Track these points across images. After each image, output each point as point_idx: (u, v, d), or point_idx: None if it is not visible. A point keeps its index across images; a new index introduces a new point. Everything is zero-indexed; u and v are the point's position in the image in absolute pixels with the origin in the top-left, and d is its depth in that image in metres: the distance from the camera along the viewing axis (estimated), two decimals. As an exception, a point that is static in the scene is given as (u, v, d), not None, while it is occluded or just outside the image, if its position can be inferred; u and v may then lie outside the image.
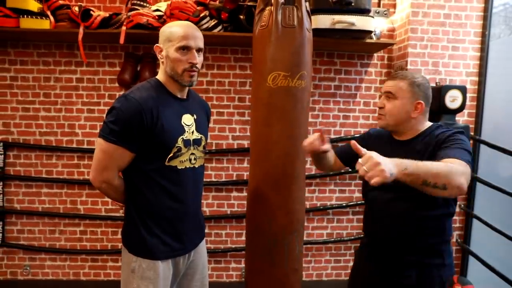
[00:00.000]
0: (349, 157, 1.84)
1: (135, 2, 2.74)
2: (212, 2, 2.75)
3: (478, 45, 3.05)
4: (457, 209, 3.17)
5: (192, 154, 1.68)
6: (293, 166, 2.13)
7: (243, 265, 3.18)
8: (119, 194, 1.68)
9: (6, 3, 2.61)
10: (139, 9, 2.69)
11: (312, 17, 2.47)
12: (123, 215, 1.74)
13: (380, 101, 1.66)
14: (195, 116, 1.72)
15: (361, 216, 2.58)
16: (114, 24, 2.71)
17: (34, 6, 2.65)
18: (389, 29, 3.22)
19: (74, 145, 3.10)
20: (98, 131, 1.57)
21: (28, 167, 3.10)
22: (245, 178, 3.15)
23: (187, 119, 1.67)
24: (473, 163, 1.43)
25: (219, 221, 3.23)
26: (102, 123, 1.56)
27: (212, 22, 2.74)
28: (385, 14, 3.11)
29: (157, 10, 2.74)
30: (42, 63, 3.03)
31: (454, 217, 3.15)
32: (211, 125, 1.93)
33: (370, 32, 2.79)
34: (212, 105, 2.95)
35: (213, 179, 3.19)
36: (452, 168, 1.29)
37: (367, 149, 1.75)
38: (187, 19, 2.52)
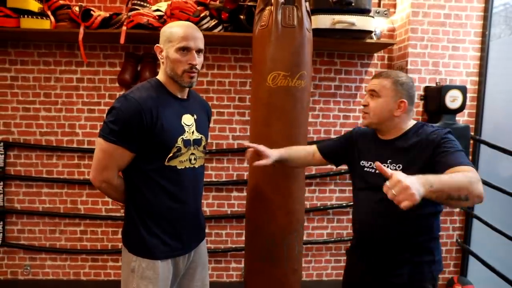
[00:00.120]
0: (333, 154, 1.88)
1: (135, 2, 2.75)
2: (212, 2, 2.75)
3: (479, 45, 3.05)
4: (457, 209, 3.17)
5: (192, 154, 1.68)
6: (292, 166, 2.13)
7: (243, 265, 3.18)
8: (119, 194, 1.68)
9: (6, 3, 2.62)
10: (139, 9, 2.69)
11: (312, 17, 2.47)
12: (123, 215, 1.74)
13: (364, 99, 1.67)
14: (195, 116, 1.72)
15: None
16: (115, 24, 2.71)
17: (35, 6, 2.66)
18: (389, 29, 3.22)
19: (75, 145, 3.10)
20: (98, 131, 1.57)
21: (28, 167, 3.10)
22: (245, 178, 3.15)
23: (187, 119, 1.67)
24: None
25: (219, 221, 3.23)
26: (102, 123, 1.56)
27: (213, 22, 2.74)
28: (385, 14, 3.11)
29: (158, 10, 2.74)
30: (43, 63, 3.03)
31: (454, 217, 3.18)
32: (211, 125, 1.94)
33: (370, 32, 2.79)
34: (212, 105, 2.95)
35: (214, 179, 3.19)
36: (471, 178, 1.29)
37: (352, 149, 1.77)
38: (188, 19, 2.52)
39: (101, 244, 3.19)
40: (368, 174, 1.66)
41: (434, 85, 3.02)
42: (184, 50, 1.57)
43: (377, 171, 1.61)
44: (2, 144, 3.03)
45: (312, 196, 3.26)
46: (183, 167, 1.65)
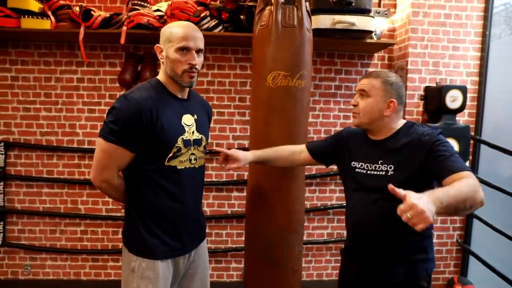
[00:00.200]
0: (323, 154, 1.89)
1: (135, 2, 2.75)
2: (212, 2, 2.75)
3: (479, 45, 3.05)
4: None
5: (192, 154, 1.68)
6: (292, 166, 2.13)
7: (243, 265, 3.19)
8: (119, 194, 1.68)
9: (7, 3, 2.62)
10: (139, 9, 2.70)
11: (313, 17, 2.48)
12: (123, 214, 1.74)
13: (354, 99, 1.68)
14: (195, 116, 1.72)
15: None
16: (115, 24, 2.72)
17: (35, 6, 2.66)
18: (389, 29, 3.22)
19: (75, 145, 3.11)
20: (98, 131, 1.58)
21: (29, 167, 3.10)
22: (245, 178, 3.15)
23: (187, 119, 1.67)
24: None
25: (219, 221, 3.23)
26: (102, 123, 1.56)
27: (213, 22, 2.74)
28: (385, 14, 3.11)
29: (158, 10, 2.74)
30: (43, 63, 3.03)
31: (455, 217, 3.17)
32: (211, 125, 1.94)
33: (371, 32, 2.79)
34: (212, 105, 2.95)
35: (214, 179, 3.20)
36: (474, 186, 1.31)
37: (343, 149, 1.78)
38: (188, 19, 2.53)
39: (101, 244, 3.19)
40: (359, 175, 1.66)
41: (435, 85, 3.02)
42: (184, 50, 1.57)
43: (368, 172, 1.62)
44: (2, 144, 3.03)
45: (312, 196, 3.26)
46: (183, 167, 1.65)
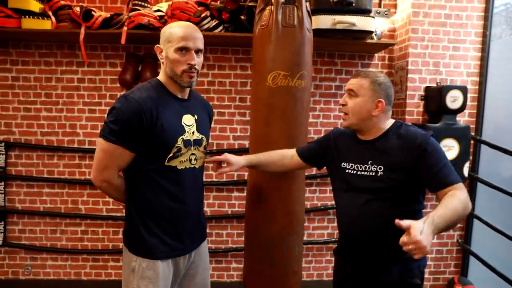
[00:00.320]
0: (314, 156, 1.89)
1: (136, 2, 2.75)
2: (213, 3, 2.76)
3: (479, 45, 3.05)
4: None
5: (193, 154, 1.69)
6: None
7: (243, 265, 3.19)
8: (120, 194, 1.68)
9: (7, 4, 2.62)
10: (140, 10, 2.70)
11: (313, 17, 2.48)
12: (124, 215, 1.74)
13: (343, 99, 1.69)
14: (196, 117, 1.72)
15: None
16: (116, 25, 2.72)
17: (36, 7, 2.66)
18: (390, 30, 3.22)
19: (76, 145, 3.11)
20: (99, 131, 1.58)
21: (29, 167, 3.11)
22: (246, 178, 3.14)
23: (188, 120, 1.68)
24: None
25: (220, 221, 3.24)
26: (103, 123, 1.57)
27: (213, 23, 2.75)
28: (386, 14, 3.11)
29: (158, 10, 2.75)
30: (44, 63, 3.04)
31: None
32: (212, 125, 1.95)
33: (371, 32, 2.79)
34: (213, 105, 2.94)
35: (214, 179, 3.20)
36: (465, 203, 1.40)
37: (332, 150, 1.78)
38: (188, 20, 2.53)
39: (102, 244, 3.19)
40: (350, 176, 1.67)
41: (435, 85, 3.02)
42: (183, 50, 1.58)
43: (359, 173, 1.63)
44: (3, 144, 3.04)
45: (312, 196, 3.26)
46: (183, 167, 1.65)
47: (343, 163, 1.70)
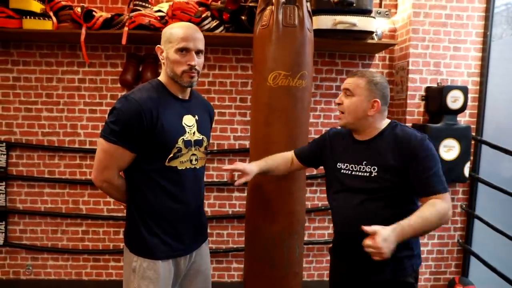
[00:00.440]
0: (311, 158, 1.91)
1: (137, 3, 2.76)
2: (214, 3, 2.76)
3: (480, 45, 3.05)
4: (459, 210, 3.17)
5: (193, 155, 1.69)
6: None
7: (244, 266, 3.19)
8: (120, 194, 1.69)
9: (9, 4, 2.63)
10: (141, 10, 2.70)
11: (314, 17, 2.48)
12: (125, 215, 1.75)
13: (339, 98, 1.69)
14: (197, 117, 1.72)
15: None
16: (116, 25, 2.72)
17: (37, 7, 2.67)
18: (390, 30, 3.22)
19: (76, 145, 3.11)
20: (100, 131, 1.58)
21: (30, 167, 3.11)
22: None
23: (188, 120, 1.68)
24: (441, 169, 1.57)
25: (220, 221, 3.24)
26: (104, 124, 1.57)
27: (214, 23, 2.75)
28: (386, 14, 3.10)
29: (159, 11, 2.75)
30: (45, 63, 3.04)
31: (456, 218, 3.17)
32: (213, 125, 1.96)
33: (372, 32, 2.79)
34: (214, 105, 2.93)
35: (215, 179, 3.20)
36: (442, 214, 1.45)
37: (327, 150, 1.79)
38: (189, 20, 2.53)
39: (102, 244, 3.20)
40: (345, 176, 1.67)
41: (436, 85, 3.02)
42: (183, 51, 1.58)
43: (353, 173, 1.64)
44: (4, 144, 3.04)
45: (313, 196, 3.26)
46: (183, 168, 1.66)
47: (338, 163, 1.71)
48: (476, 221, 3.08)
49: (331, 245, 1.88)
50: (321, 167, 1.93)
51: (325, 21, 2.66)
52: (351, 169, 1.65)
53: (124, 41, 2.69)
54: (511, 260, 2.78)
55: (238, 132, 3.18)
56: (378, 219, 1.53)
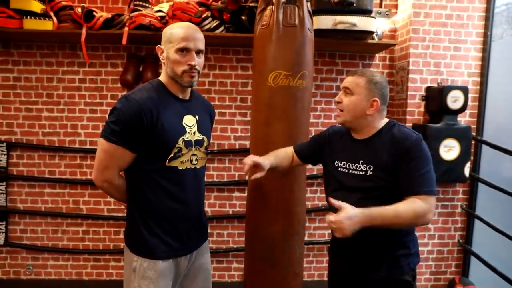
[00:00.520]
0: (311, 154, 1.91)
1: (137, 3, 2.76)
2: (214, 3, 2.76)
3: (480, 45, 3.05)
4: (459, 210, 3.17)
5: (194, 155, 1.69)
6: (293, 166, 2.12)
7: (244, 266, 3.19)
8: (121, 194, 1.69)
9: (9, 4, 2.63)
10: (141, 10, 2.70)
11: (314, 17, 2.47)
12: (125, 215, 1.75)
13: (338, 96, 1.70)
14: (197, 117, 1.72)
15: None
16: (117, 25, 2.73)
17: (37, 7, 2.67)
18: (390, 30, 3.22)
19: (77, 145, 3.11)
20: (100, 131, 1.59)
21: (31, 167, 3.11)
22: (246, 178, 3.15)
23: (189, 120, 1.68)
24: (434, 169, 1.54)
25: (221, 221, 3.24)
26: (104, 124, 1.57)
27: (214, 23, 2.75)
28: (386, 14, 3.10)
29: (160, 11, 2.75)
30: (45, 63, 3.05)
31: (456, 218, 3.17)
32: (213, 125, 1.96)
33: (372, 32, 2.79)
34: (214, 105, 2.93)
35: (215, 179, 3.20)
36: (416, 212, 1.45)
37: (326, 148, 1.80)
38: (189, 20, 2.54)
39: (103, 244, 3.20)
40: (342, 174, 1.68)
41: (436, 85, 3.02)
42: (184, 51, 1.58)
43: (350, 171, 1.65)
44: (5, 144, 3.04)
45: (313, 196, 3.26)
46: (184, 168, 1.66)
47: (336, 162, 1.72)
48: (476, 221, 3.08)
49: (329, 244, 1.88)
50: (320, 166, 1.94)
51: (326, 21, 2.66)
52: (348, 167, 1.66)
53: (124, 41, 2.69)
54: (511, 260, 2.78)
55: (238, 132, 3.18)
56: None
